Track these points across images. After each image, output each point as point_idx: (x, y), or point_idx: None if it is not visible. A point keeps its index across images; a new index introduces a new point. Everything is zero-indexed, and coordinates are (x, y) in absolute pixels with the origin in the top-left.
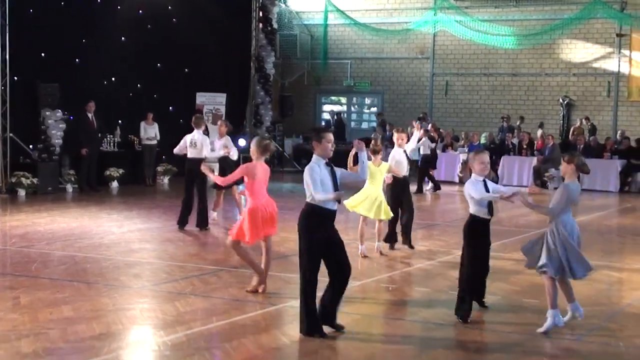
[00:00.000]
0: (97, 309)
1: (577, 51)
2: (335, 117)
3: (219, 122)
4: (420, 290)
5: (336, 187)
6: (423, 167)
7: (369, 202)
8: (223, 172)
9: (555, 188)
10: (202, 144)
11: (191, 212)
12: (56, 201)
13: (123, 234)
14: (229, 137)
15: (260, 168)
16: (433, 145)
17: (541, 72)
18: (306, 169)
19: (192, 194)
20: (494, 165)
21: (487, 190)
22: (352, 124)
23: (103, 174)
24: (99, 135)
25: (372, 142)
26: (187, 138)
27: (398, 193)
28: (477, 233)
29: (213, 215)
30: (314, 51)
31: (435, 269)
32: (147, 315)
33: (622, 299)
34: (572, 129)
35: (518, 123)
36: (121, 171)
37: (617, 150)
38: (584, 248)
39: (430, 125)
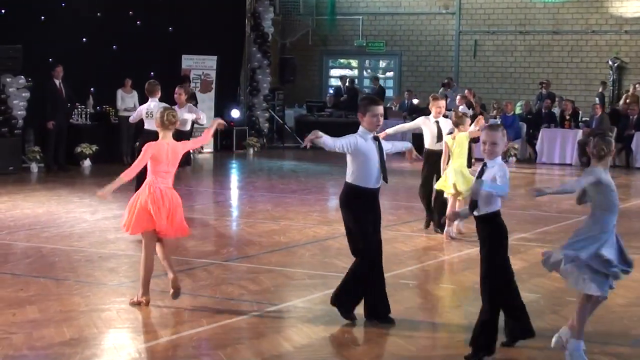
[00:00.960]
0: (67, 310)
1: (630, 4)
2: (347, 83)
3: (177, 89)
4: (445, 287)
5: (383, 164)
6: None
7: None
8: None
9: None
10: None
11: None
12: (19, 183)
13: (97, 221)
14: (191, 105)
15: (165, 147)
16: (470, 112)
17: (587, 29)
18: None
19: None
20: (532, 139)
21: (480, 178)
22: (365, 90)
23: (73, 151)
24: (69, 105)
25: (453, 113)
26: (142, 109)
27: (431, 168)
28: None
29: None
30: (320, 6)
31: (462, 263)
32: (125, 317)
33: None
34: (624, 97)
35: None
36: (95, 147)
37: None
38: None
39: (467, 91)
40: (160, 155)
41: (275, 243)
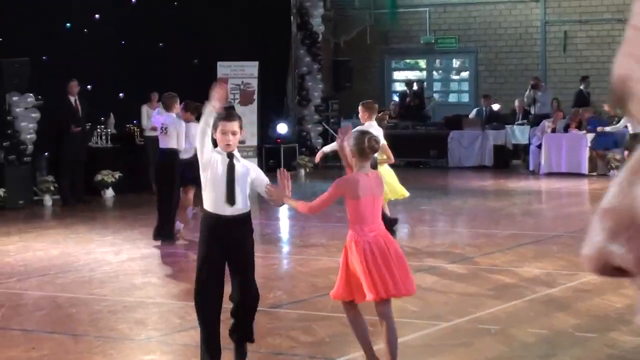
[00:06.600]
0: None
1: None
2: (415, 86)
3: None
4: (534, 332)
5: None
6: None
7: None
8: (190, 171)
9: None
10: (177, 132)
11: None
12: (30, 219)
13: (121, 263)
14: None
15: (365, 181)
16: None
17: None
18: None
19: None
20: None
21: None
22: (436, 95)
23: (93, 179)
24: (87, 126)
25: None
26: (159, 118)
27: None
28: None
29: (180, 226)
30: None
31: (557, 300)
32: None
33: None
34: None
35: None
36: (118, 175)
37: None
38: None
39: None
40: (359, 190)
41: (332, 284)
